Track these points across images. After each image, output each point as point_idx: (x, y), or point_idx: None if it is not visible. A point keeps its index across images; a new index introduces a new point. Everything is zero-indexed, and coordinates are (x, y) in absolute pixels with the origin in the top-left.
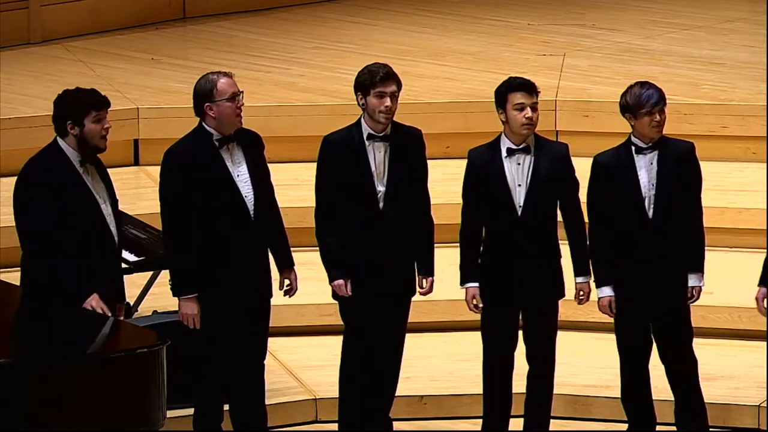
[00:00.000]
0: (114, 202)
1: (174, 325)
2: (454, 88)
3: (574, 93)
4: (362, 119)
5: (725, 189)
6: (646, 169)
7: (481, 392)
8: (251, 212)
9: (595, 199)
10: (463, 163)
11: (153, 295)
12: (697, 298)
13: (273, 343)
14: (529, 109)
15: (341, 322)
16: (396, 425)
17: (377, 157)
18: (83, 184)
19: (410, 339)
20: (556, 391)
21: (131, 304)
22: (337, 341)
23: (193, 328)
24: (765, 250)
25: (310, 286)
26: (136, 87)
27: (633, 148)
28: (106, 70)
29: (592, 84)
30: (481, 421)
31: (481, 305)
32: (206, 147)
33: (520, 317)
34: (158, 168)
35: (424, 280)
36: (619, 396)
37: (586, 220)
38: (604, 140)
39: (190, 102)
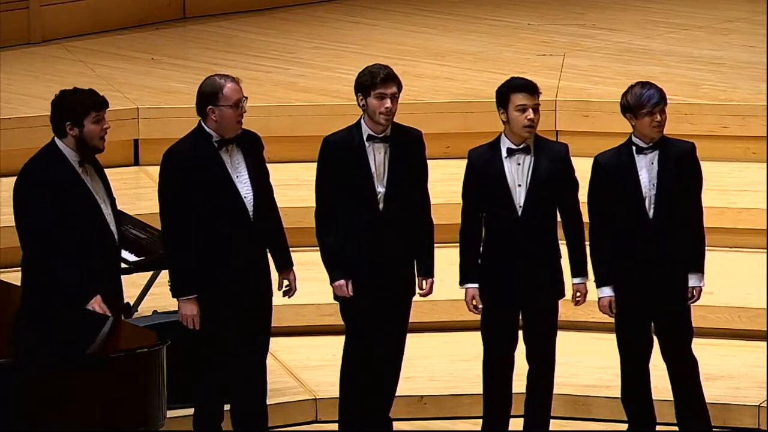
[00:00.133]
0: (112, 201)
1: (174, 325)
2: (454, 88)
3: (574, 93)
4: (362, 120)
5: (725, 189)
6: (646, 169)
7: (481, 392)
8: (250, 213)
9: (595, 199)
10: (463, 163)
11: (153, 295)
12: (698, 299)
13: (273, 343)
14: (531, 110)
15: (341, 322)
16: (396, 425)
17: (377, 157)
18: (83, 184)
19: (410, 339)
20: (556, 391)
21: (131, 304)
22: (337, 341)
23: (193, 328)
24: (765, 250)
25: (310, 286)
26: (136, 87)
27: (634, 148)
28: (106, 70)
29: (592, 84)
30: (481, 421)
31: (480, 306)
32: (206, 147)
33: (520, 317)
34: (158, 168)
35: (424, 281)
36: (619, 396)
37: (585, 220)
38: (604, 140)
39: (190, 102)
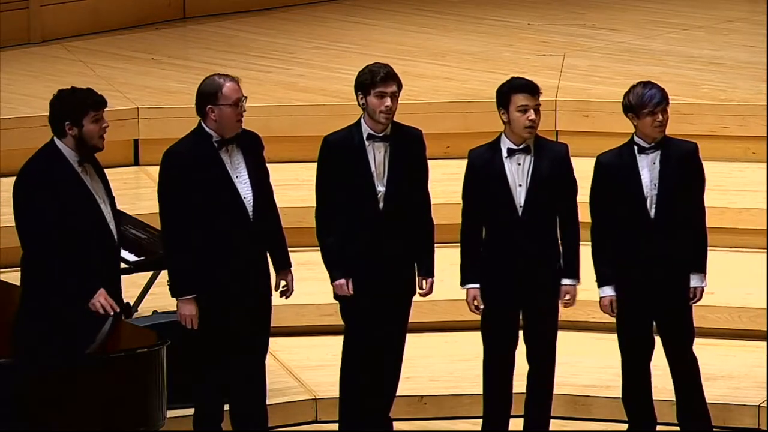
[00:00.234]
0: (112, 201)
1: (174, 325)
2: (454, 88)
3: (574, 93)
4: (362, 119)
5: (725, 189)
6: (648, 169)
7: (481, 392)
8: (250, 213)
9: (597, 199)
10: (463, 163)
11: (153, 295)
12: (699, 299)
13: (273, 343)
14: (532, 111)
15: (341, 322)
16: (396, 425)
17: (377, 157)
18: (82, 183)
19: (410, 339)
20: (556, 391)
21: (131, 304)
22: (337, 341)
23: (191, 328)
24: (765, 250)
25: (310, 286)
26: (136, 87)
27: (635, 147)
28: (106, 70)
29: (592, 84)
30: (481, 421)
31: (482, 306)
32: (205, 147)
33: (521, 317)
34: (158, 168)
35: (424, 281)
36: (619, 396)
37: (586, 220)
38: (604, 140)
39: (190, 102)
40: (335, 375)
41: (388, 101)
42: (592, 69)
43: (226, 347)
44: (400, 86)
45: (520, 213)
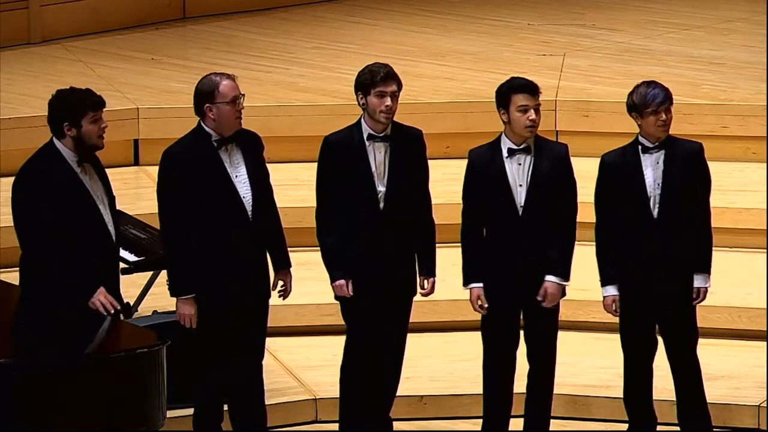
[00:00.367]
0: (111, 200)
1: (174, 325)
2: (454, 88)
3: (574, 93)
4: (362, 119)
5: (725, 189)
6: (652, 169)
7: (481, 392)
8: (249, 212)
9: (601, 199)
10: (463, 163)
11: (153, 295)
12: (703, 299)
13: (273, 343)
14: (532, 111)
15: (341, 322)
16: (396, 425)
17: (377, 157)
18: (80, 184)
19: (410, 339)
20: (556, 391)
21: (131, 304)
22: (337, 341)
23: (190, 327)
24: (765, 250)
25: (310, 286)
26: (136, 87)
27: (639, 147)
28: (106, 70)
29: (592, 84)
30: (481, 421)
31: (486, 305)
32: (205, 147)
33: (521, 317)
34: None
35: (426, 281)
36: (619, 396)
37: (585, 220)
38: (604, 140)
39: (190, 102)
40: (335, 375)
41: (388, 101)
42: (592, 69)
43: (225, 347)
44: (400, 86)
45: (520, 213)
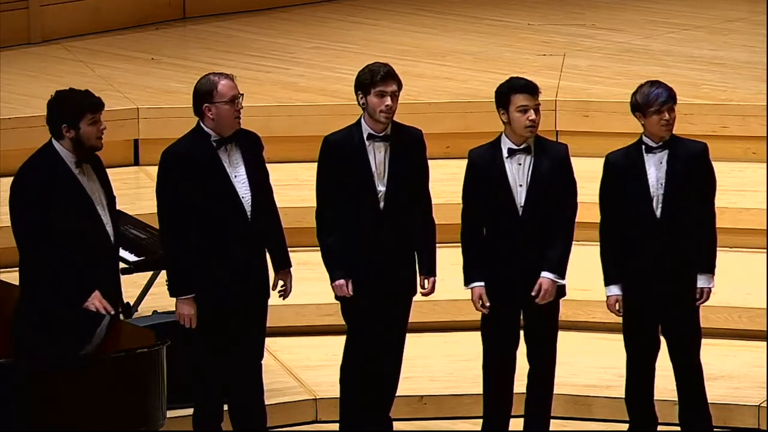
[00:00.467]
0: (111, 200)
1: (174, 325)
2: (454, 88)
3: (574, 93)
4: (362, 119)
5: (725, 189)
6: (655, 169)
7: (481, 392)
8: (248, 212)
9: (605, 198)
10: (463, 163)
11: (153, 295)
12: (707, 299)
13: (273, 343)
14: (532, 111)
15: (341, 322)
16: (396, 425)
17: (377, 156)
18: (78, 185)
19: (410, 339)
20: (556, 391)
21: (131, 304)
22: (337, 341)
23: (190, 327)
24: (765, 250)
25: (310, 286)
26: (136, 87)
27: (643, 147)
28: (106, 70)
29: (592, 84)
30: (481, 421)
31: (488, 304)
32: (204, 147)
33: (521, 317)
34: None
35: (426, 281)
36: (619, 396)
37: (586, 220)
38: (604, 140)
39: (190, 102)
40: (335, 375)
41: (388, 100)
42: (592, 69)
43: (225, 347)
44: (400, 85)
45: (520, 213)
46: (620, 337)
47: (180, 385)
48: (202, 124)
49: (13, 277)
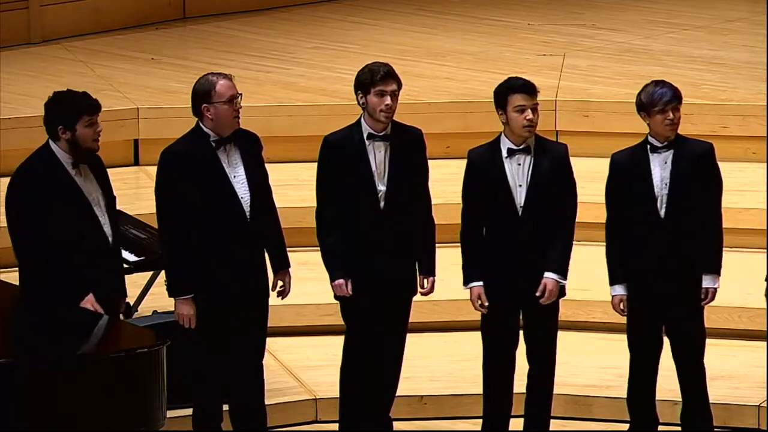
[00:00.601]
0: (110, 200)
1: (174, 325)
2: (454, 88)
3: (574, 93)
4: (362, 119)
5: (725, 189)
6: (660, 168)
7: (481, 392)
8: (247, 212)
9: (610, 198)
10: (463, 163)
11: (153, 295)
12: (712, 300)
13: (273, 343)
14: (529, 111)
15: (341, 322)
16: (396, 425)
17: (377, 156)
18: (75, 186)
19: (410, 339)
20: (556, 391)
21: (131, 304)
22: (337, 341)
23: (189, 327)
24: (765, 250)
25: (310, 286)
26: (136, 87)
27: (648, 146)
28: (106, 70)
29: (592, 84)
30: (481, 421)
31: (487, 304)
32: (203, 147)
33: (521, 317)
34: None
35: (425, 280)
36: (619, 396)
37: (586, 220)
38: (604, 140)
39: (189, 102)
40: (335, 375)
41: (388, 100)
42: (592, 69)
43: (224, 347)
44: (400, 85)
45: (519, 213)
46: (620, 337)
47: (180, 385)
48: (201, 125)
49: (13, 277)
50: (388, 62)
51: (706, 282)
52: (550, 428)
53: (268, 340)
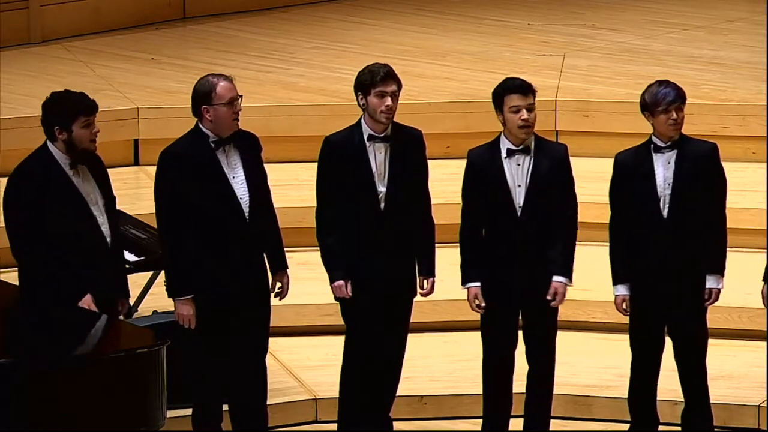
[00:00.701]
0: (109, 200)
1: (174, 325)
2: (454, 88)
3: (574, 93)
4: (362, 120)
5: None
6: (663, 168)
7: (481, 392)
8: (246, 213)
9: (614, 198)
10: (463, 163)
11: (153, 295)
12: (715, 300)
13: (273, 343)
14: (525, 111)
15: (341, 322)
16: (396, 425)
17: (378, 157)
18: (72, 187)
19: (410, 339)
20: (556, 391)
21: (131, 304)
22: (337, 341)
23: (189, 327)
24: (765, 250)
25: (310, 286)
26: (136, 87)
27: (652, 146)
28: (106, 70)
29: (592, 84)
30: (481, 421)
31: (483, 304)
32: (202, 148)
33: (520, 317)
34: None
35: (425, 281)
36: (619, 396)
37: (587, 220)
38: (604, 140)
39: (189, 102)
40: (335, 375)
41: (388, 101)
42: (592, 69)
43: (224, 347)
44: (400, 86)
45: (519, 213)
46: (620, 337)
47: (180, 385)
48: (200, 125)
49: (13, 277)
50: (388, 62)
51: (710, 282)
52: (550, 428)
53: (269, 339)
